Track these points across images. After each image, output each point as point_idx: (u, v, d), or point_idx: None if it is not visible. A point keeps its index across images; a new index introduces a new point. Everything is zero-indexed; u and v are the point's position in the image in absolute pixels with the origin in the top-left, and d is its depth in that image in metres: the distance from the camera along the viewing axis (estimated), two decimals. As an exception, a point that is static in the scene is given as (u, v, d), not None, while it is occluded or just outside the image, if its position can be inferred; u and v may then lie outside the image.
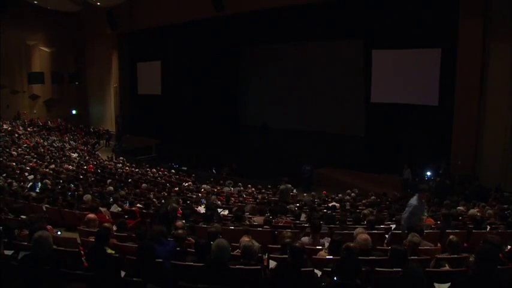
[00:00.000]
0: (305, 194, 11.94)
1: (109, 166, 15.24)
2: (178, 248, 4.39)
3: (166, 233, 4.61)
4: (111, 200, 8.20)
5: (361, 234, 4.37)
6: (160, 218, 5.76)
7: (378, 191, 11.91)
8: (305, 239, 5.16)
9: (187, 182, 13.54)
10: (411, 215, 5.65)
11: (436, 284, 3.44)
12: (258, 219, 6.85)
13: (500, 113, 11.89)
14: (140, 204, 8.28)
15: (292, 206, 8.69)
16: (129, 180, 12.66)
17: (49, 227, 5.30)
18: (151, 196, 9.81)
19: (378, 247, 4.91)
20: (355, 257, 3.56)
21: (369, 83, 15.27)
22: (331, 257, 4.34)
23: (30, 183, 10.00)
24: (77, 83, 27.07)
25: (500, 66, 11.80)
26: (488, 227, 6.36)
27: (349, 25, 15.79)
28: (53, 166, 13.26)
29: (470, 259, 3.95)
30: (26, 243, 4.26)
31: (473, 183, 11.39)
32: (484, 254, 2.95)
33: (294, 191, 12.03)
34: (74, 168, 13.95)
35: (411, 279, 2.86)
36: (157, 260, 3.70)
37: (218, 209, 8.14)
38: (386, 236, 5.86)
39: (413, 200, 5.78)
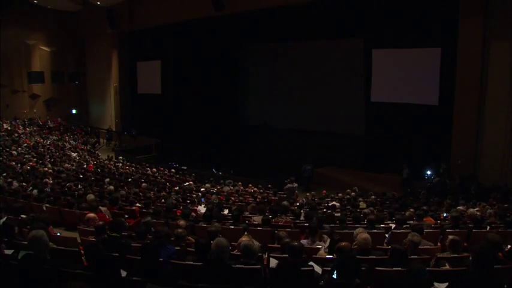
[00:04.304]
0: (307, 194, 12.00)
1: (109, 165, 15.24)
2: (177, 248, 4.40)
3: (170, 235, 4.62)
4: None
5: (361, 234, 4.37)
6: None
7: (377, 190, 11.94)
8: (303, 241, 5.14)
9: (187, 181, 13.54)
10: None
11: (435, 283, 3.44)
12: (258, 219, 6.84)
13: (500, 112, 11.89)
14: (140, 203, 8.29)
15: (285, 202, 8.70)
16: (129, 179, 12.67)
17: (49, 227, 5.31)
18: (152, 195, 9.82)
19: (378, 246, 4.92)
20: (352, 256, 3.56)
21: (369, 83, 15.26)
22: (331, 256, 4.34)
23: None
24: (77, 82, 27.05)
25: (500, 66, 11.80)
26: (488, 227, 6.37)
27: (349, 25, 15.78)
28: (50, 166, 13.27)
29: (470, 258, 3.95)
30: (25, 243, 4.27)
31: (473, 183, 11.42)
32: (480, 253, 2.95)
33: (296, 191, 12.13)
34: (74, 167, 13.96)
35: (416, 280, 2.85)
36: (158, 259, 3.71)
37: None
38: (387, 235, 5.86)
39: None
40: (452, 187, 11.68)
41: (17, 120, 23.03)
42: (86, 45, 26.86)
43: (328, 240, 5.05)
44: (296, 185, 12.14)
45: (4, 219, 5.36)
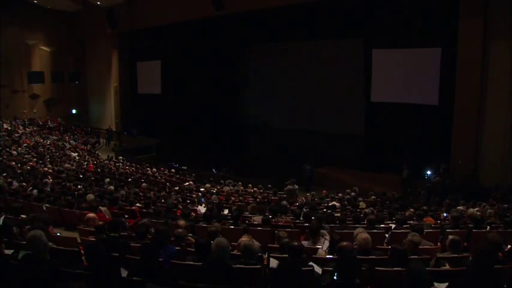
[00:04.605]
0: (307, 194, 12.01)
1: (109, 165, 15.24)
2: (177, 248, 4.40)
3: (170, 234, 4.61)
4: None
5: (361, 234, 4.37)
6: None
7: (377, 190, 11.94)
8: (304, 242, 5.14)
9: (187, 181, 13.54)
10: None
11: (435, 283, 3.44)
12: (258, 219, 6.84)
13: (500, 112, 11.89)
14: (140, 203, 8.28)
15: (284, 202, 8.69)
16: (129, 179, 12.66)
17: (49, 227, 5.31)
18: (152, 195, 9.82)
19: (378, 246, 4.91)
20: (353, 256, 3.56)
21: (369, 83, 15.28)
22: (331, 256, 4.34)
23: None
24: (76, 82, 27.05)
25: (500, 66, 11.80)
26: (488, 227, 6.37)
27: (349, 24, 15.79)
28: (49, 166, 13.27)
29: (470, 258, 3.95)
30: (25, 243, 4.27)
31: (473, 183, 11.42)
32: (480, 253, 2.96)
33: (296, 192, 12.13)
34: (74, 167, 13.95)
35: (416, 280, 2.85)
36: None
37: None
38: (387, 235, 5.86)
39: None
40: (452, 187, 11.68)
41: (17, 120, 23.02)
42: (86, 45, 26.85)
43: (328, 238, 5.04)
44: (297, 186, 12.14)
45: (2, 218, 5.36)
